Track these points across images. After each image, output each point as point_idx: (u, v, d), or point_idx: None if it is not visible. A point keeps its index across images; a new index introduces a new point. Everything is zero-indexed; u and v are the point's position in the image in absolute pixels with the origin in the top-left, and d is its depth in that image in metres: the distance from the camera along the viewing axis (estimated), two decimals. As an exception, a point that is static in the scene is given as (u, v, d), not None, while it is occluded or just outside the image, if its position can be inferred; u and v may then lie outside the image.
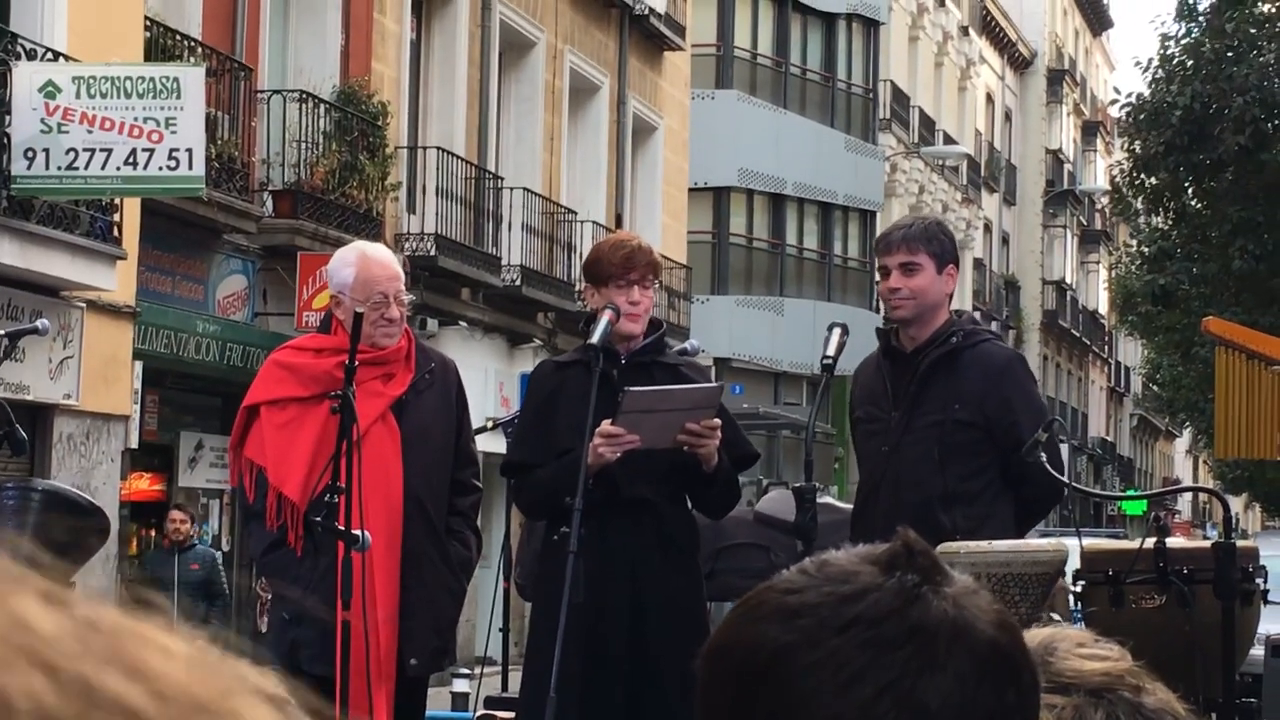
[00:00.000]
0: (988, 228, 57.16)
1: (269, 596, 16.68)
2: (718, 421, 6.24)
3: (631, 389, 6.15)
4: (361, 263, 6.48)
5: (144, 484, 20.21)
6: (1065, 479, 6.49)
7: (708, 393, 6.38)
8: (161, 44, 18.62)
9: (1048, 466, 6.18)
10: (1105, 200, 52.70)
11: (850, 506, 9.87)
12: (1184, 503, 72.14)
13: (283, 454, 6.35)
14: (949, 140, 49.53)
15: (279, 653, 6.48)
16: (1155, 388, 53.11)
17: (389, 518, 6.28)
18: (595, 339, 6.26)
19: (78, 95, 15.84)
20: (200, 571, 15.91)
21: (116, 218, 17.31)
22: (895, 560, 1.50)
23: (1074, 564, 6.50)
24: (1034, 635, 1.98)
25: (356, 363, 6.11)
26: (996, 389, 6.49)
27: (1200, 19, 32.08)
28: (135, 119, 15.84)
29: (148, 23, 18.47)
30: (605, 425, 6.11)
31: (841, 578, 1.49)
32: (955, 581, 1.51)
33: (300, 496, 6.29)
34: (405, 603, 6.36)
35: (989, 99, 58.06)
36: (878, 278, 6.73)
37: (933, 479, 6.42)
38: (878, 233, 36.59)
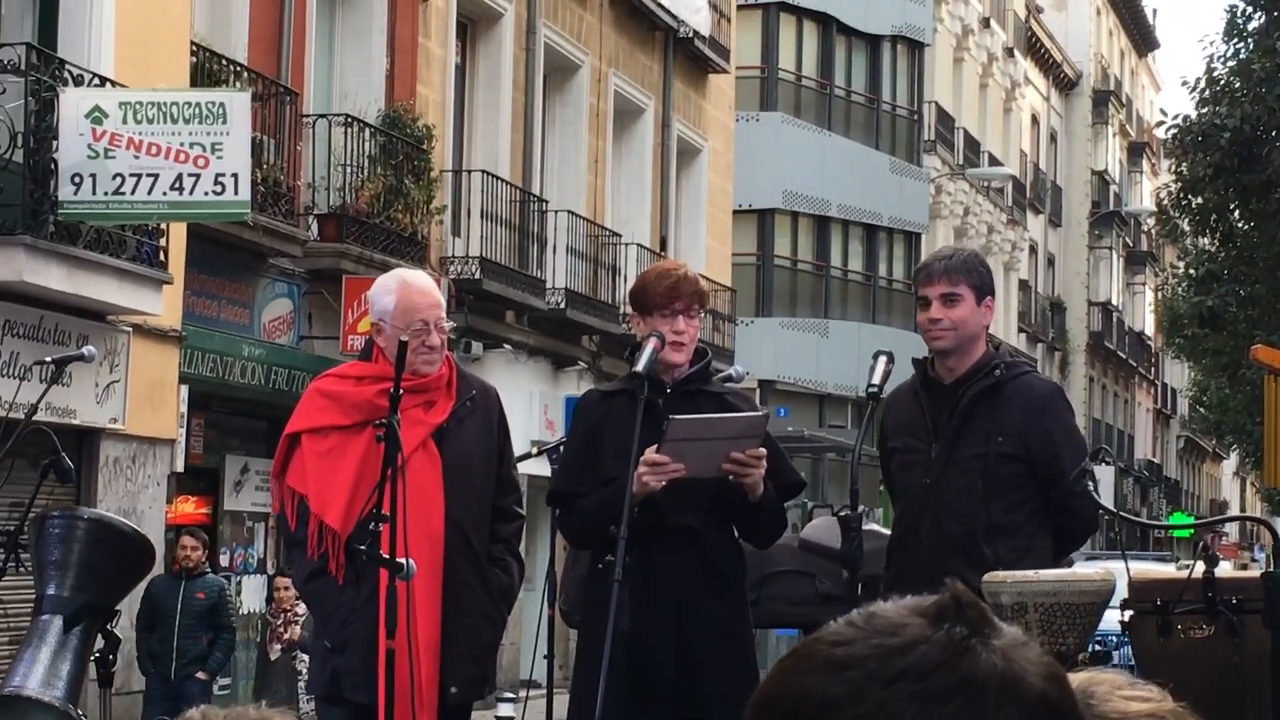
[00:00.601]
0: (1033, 249, 57.02)
1: (279, 624, 16.44)
2: (763, 451, 6.21)
3: (676, 417, 6.13)
4: (402, 290, 6.48)
5: (190, 507, 20.26)
6: (1110, 508, 6.45)
7: (753, 421, 6.36)
8: (207, 69, 18.70)
9: (1096, 495, 6.16)
10: (1151, 221, 52.54)
11: (895, 532, 9.83)
12: (1231, 526, 71.77)
13: (324, 483, 6.35)
14: (994, 162, 49.43)
15: (320, 681, 6.48)
16: (1202, 410, 52.87)
17: (430, 546, 6.27)
18: (640, 367, 6.24)
19: (124, 120, 15.90)
20: (206, 601, 15.41)
21: (163, 242, 17.38)
22: (944, 612, 1.49)
23: (1121, 592, 6.46)
24: (1070, 680, 1.96)
25: (392, 388, 6.10)
26: (1039, 422, 6.49)
27: (1249, 38, 31.93)
28: (181, 144, 15.90)
29: (194, 48, 18.56)
30: (650, 454, 6.09)
31: (889, 630, 1.47)
32: (1004, 634, 1.49)
33: (341, 525, 6.28)
34: (446, 630, 6.34)
35: (1034, 120, 57.94)
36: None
37: (976, 511, 6.40)
38: (923, 254, 36.48)
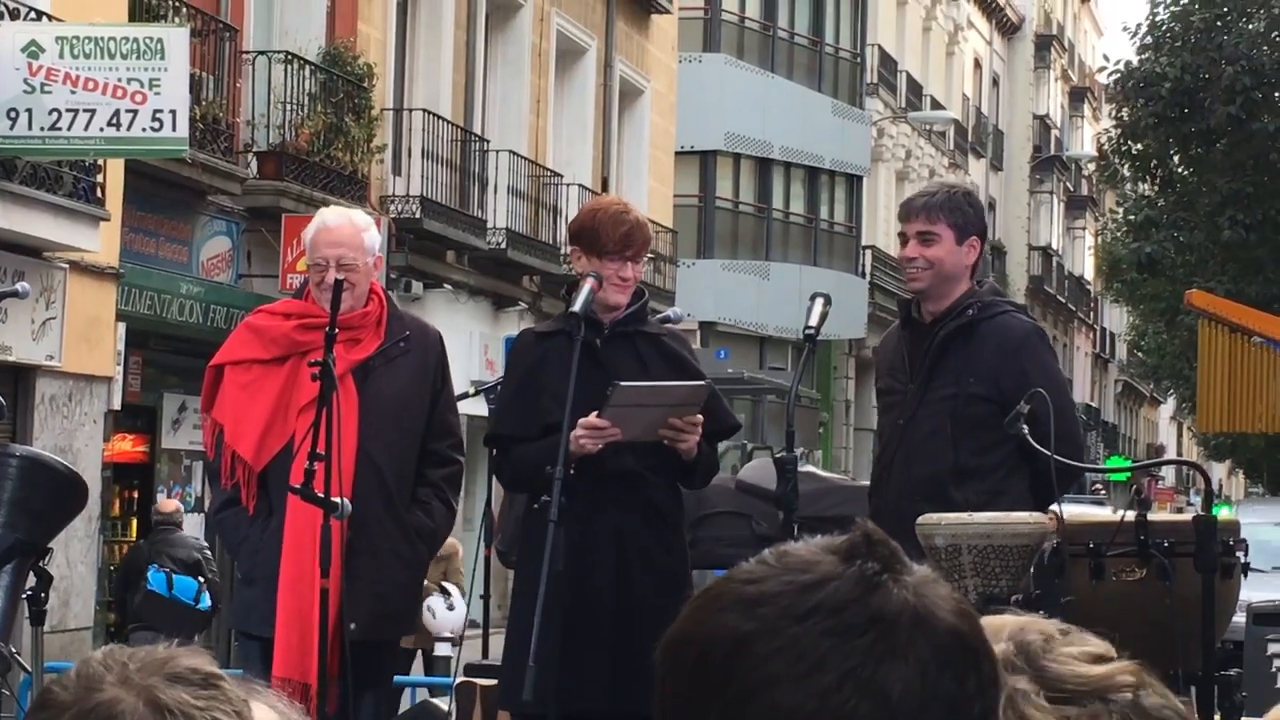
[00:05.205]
0: (975, 193, 57.09)
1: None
2: (700, 419, 6.18)
3: (622, 384, 6.05)
4: (317, 227, 6.57)
5: (127, 445, 20.18)
6: (1044, 450, 6.32)
7: (696, 390, 6.30)
8: (145, 3, 18.53)
9: (1030, 440, 6.08)
10: (1092, 167, 52.70)
11: (833, 476, 9.89)
12: (1167, 469, 72.28)
13: (240, 414, 6.42)
14: (936, 105, 49.45)
15: (238, 614, 6.55)
16: (1140, 354, 53.17)
17: (339, 480, 6.25)
18: (577, 307, 6.16)
19: (61, 55, 15.77)
20: None
21: (100, 179, 17.26)
22: (855, 550, 1.50)
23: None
24: (1021, 627, 1.93)
25: (328, 328, 6.13)
26: (1013, 362, 6.36)
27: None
28: (119, 80, 15.79)
29: (132, -18, 18.39)
30: (591, 418, 6.04)
31: (801, 567, 1.48)
32: (915, 570, 1.50)
33: (254, 456, 6.34)
34: (351, 566, 6.27)
35: (977, 64, 57.98)
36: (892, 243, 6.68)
37: (944, 453, 6.31)
38: (864, 197, 36.34)
